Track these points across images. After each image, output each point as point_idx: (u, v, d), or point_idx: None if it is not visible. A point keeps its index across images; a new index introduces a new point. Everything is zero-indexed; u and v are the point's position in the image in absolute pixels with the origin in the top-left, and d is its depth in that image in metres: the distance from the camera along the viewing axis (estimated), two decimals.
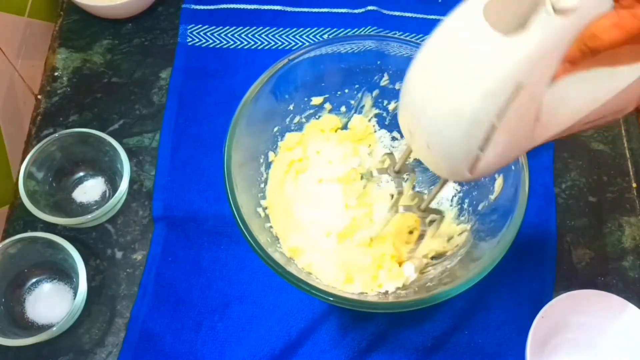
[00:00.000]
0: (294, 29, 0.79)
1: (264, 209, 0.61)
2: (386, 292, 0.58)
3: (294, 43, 0.78)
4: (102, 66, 0.77)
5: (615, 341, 0.61)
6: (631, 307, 0.60)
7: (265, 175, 0.63)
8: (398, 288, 0.58)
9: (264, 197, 0.62)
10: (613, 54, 0.38)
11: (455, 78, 0.37)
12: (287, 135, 0.65)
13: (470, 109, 0.37)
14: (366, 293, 0.58)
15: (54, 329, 0.58)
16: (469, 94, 0.37)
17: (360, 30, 0.78)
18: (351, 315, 0.63)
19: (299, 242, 0.60)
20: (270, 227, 0.60)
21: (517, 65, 0.36)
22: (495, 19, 0.36)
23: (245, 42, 0.78)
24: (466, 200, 0.63)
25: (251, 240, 0.51)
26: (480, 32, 0.36)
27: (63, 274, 0.64)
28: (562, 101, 0.39)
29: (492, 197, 0.59)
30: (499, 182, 0.58)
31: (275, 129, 0.64)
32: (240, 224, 0.52)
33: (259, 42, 0.78)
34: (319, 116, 0.66)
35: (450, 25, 0.38)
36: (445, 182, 0.50)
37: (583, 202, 0.70)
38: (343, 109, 0.67)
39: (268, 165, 0.64)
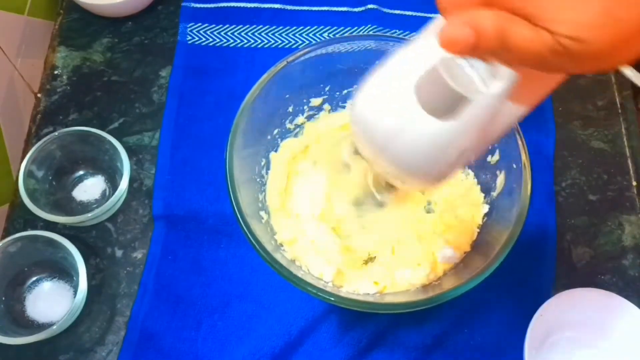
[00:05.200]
0: (294, 28, 0.79)
1: (266, 212, 0.61)
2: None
3: (293, 41, 0.78)
4: (102, 65, 0.77)
5: (614, 340, 0.61)
6: (631, 306, 0.60)
7: (266, 178, 0.63)
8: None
9: (265, 200, 0.62)
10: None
11: (405, 140, 0.39)
12: (288, 139, 0.65)
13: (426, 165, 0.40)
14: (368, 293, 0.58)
15: (54, 327, 0.58)
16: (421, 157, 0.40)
17: (360, 29, 0.78)
18: (351, 314, 0.63)
19: (301, 246, 0.60)
20: (273, 229, 0.60)
21: (453, 143, 0.38)
22: (426, 99, 0.37)
23: (245, 41, 0.78)
24: None
25: (257, 246, 0.51)
26: (416, 114, 0.37)
27: (63, 272, 0.64)
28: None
29: (494, 194, 0.59)
30: (500, 179, 0.58)
31: (275, 131, 0.64)
32: (246, 230, 0.52)
33: (259, 41, 0.78)
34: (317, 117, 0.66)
35: (385, 95, 0.39)
36: None
37: (583, 201, 0.70)
38: (343, 109, 0.67)
39: (268, 167, 0.63)
